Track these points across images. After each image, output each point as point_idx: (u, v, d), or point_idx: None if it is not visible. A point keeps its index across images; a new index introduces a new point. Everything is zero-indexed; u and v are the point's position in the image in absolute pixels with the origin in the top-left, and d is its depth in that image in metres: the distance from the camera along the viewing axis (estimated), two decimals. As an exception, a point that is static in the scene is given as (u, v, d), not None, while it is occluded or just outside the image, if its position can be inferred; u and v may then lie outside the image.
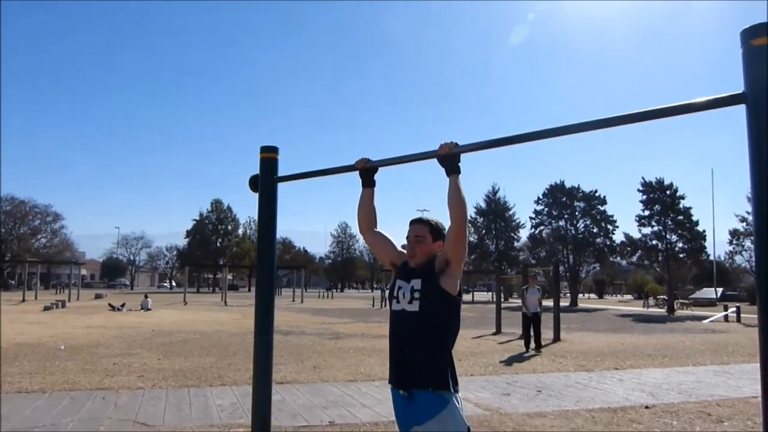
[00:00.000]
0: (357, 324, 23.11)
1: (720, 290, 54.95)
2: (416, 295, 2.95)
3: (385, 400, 8.09)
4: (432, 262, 3.01)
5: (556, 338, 17.75)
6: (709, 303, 49.55)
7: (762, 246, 1.92)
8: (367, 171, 3.33)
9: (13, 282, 77.17)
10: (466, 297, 63.68)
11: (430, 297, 2.93)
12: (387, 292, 3.32)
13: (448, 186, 2.91)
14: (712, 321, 29.88)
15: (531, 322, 15.32)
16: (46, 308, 29.85)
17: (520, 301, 16.87)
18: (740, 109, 2.07)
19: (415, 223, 3.14)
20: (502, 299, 26.54)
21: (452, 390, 2.88)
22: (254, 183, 3.61)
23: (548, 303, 17.48)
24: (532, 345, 15.16)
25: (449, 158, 2.91)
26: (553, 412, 7.63)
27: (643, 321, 29.51)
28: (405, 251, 3.16)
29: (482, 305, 45.70)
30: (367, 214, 3.36)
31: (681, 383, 10.10)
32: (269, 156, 3.53)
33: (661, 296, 53.12)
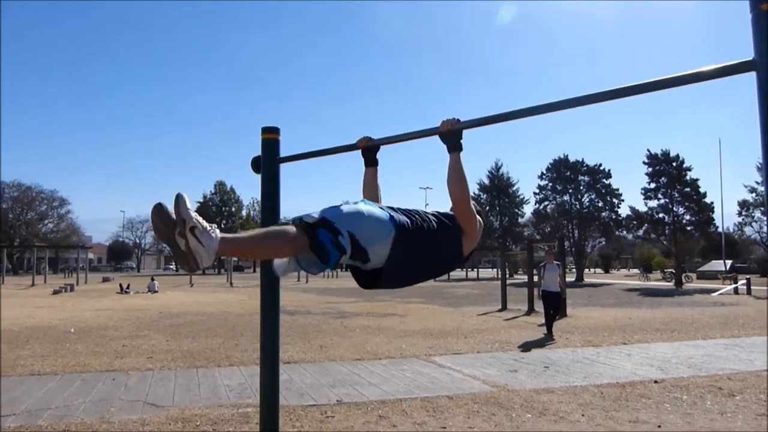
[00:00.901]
0: (362, 303, 23.17)
1: (729, 262, 54.77)
2: (436, 213, 2.85)
3: (392, 378, 8.12)
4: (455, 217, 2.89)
5: (563, 314, 17.75)
6: (717, 276, 49.43)
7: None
8: (369, 150, 3.29)
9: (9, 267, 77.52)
10: (471, 274, 63.83)
11: (447, 220, 2.81)
12: None
13: (448, 164, 2.86)
14: (721, 294, 29.80)
15: (549, 302, 13.66)
16: (55, 292, 30.06)
17: (537, 279, 15.21)
18: (748, 78, 2.02)
19: None
20: (507, 276, 26.56)
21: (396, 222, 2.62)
22: (256, 164, 3.59)
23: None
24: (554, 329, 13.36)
25: (451, 135, 2.85)
26: (561, 388, 7.63)
27: (651, 295, 29.51)
28: None
29: (487, 282, 45.79)
30: (372, 192, 3.32)
31: (690, 357, 10.07)
32: (271, 137, 3.50)
33: (669, 269, 53.06)
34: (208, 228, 2.14)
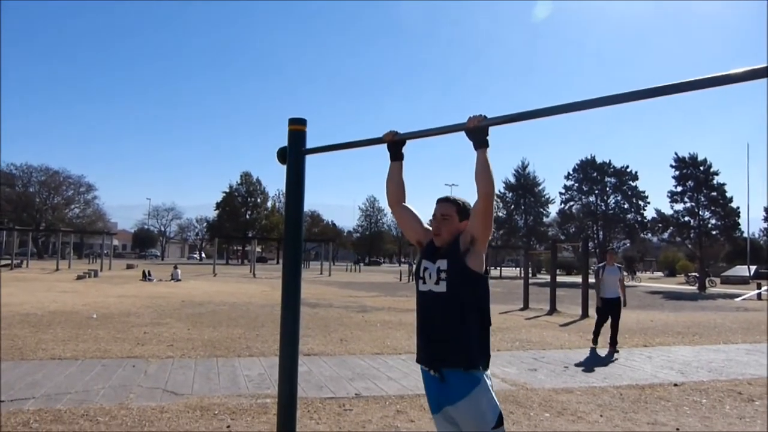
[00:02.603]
0: (384, 298, 23.20)
1: (753, 268, 53.99)
2: (443, 275, 2.92)
3: (411, 373, 8.12)
4: (457, 241, 2.98)
5: (584, 315, 17.63)
6: (742, 281, 48.76)
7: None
8: (395, 144, 3.29)
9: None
10: (493, 272, 63.57)
11: (457, 277, 2.90)
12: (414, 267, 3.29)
13: (476, 160, 2.86)
14: (744, 299, 29.43)
15: (608, 312, 11.42)
16: (79, 277, 30.49)
17: (594, 282, 12.33)
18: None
19: (442, 201, 3.11)
20: (530, 275, 26.41)
21: (481, 369, 2.86)
22: (282, 155, 3.59)
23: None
24: (603, 340, 11.41)
25: (478, 131, 2.85)
26: (580, 389, 7.58)
27: (674, 298, 29.20)
28: (431, 228, 3.14)
29: (510, 281, 45.58)
30: (396, 187, 3.32)
31: (711, 361, 9.97)
32: (297, 128, 3.50)
33: (692, 273, 52.47)
34: None
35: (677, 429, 5.87)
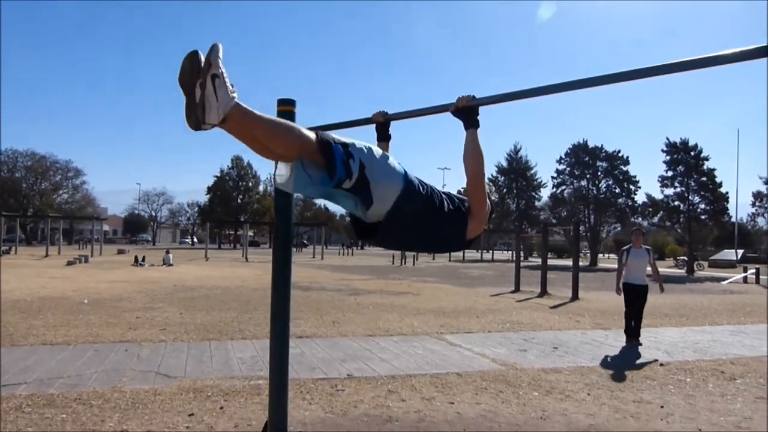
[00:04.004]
0: (376, 281, 23.28)
1: (740, 252, 54.50)
2: (445, 187, 2.91)
3: (402, 354, 8.20)
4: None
5: (575, 297, 17.77)
6: (729, 265, 49.21)
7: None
8: (383, 124, 3.31)
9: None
10: (486, 255, 63.82)
11: (455, 200, 2.88)
12: None
13: (465, 141, 2.85)
14: (731, 282, 29.72)
15: (632, 300, 10.19)
16: (69, 263, 30.36)
17: (617, 267, 11.13)
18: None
19: None
20: (522, 258, 26.56)
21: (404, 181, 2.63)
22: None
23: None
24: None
25: (467, 111, 2.83)
26: (569, 368, 7.70)
27: (663, 282, 29.40)
28: None
29: (502, 264, 45.78)
30: None
31: (697, 342, 10.13)
32: (286, 109, 3.51)
33: (681, 257, 52.85)
34: (230, 87, 2.17)
35: (662, 406, 6.00)
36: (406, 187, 2.58)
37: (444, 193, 2.90)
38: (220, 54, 2.15)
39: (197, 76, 2.11)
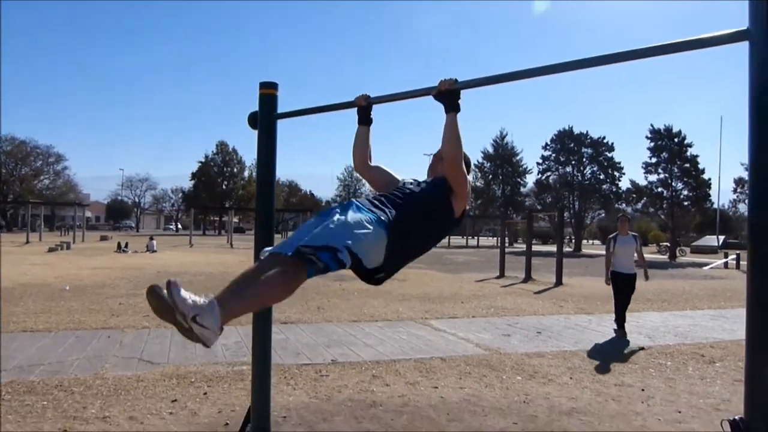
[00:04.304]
0: (361, 267, 23.26)
1: (722, 238, 55.09)
2: (423, 185, 2.95)
3: (387, 340, 8.22)
4: (446, 179, 2.92)
5: (558, 282, 17.89)
6: (711, 251, 49.73)
7: (756, 189, 1.90)
8: (365, 108, 3.28)
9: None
10: (471, 242, 64.03)
11: (435, 190, 2.89)
12: None
13: (444, 124, 2.84)
14: (712, 268, 30.04)
15: (620, 289, 9.82)
16: (51, 250, 30.08)
17: (604, 255, 10.43)
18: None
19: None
20: (507, 244, 26.67)
21: (387, 233, 2.62)
22: (253, 120, 3.58)
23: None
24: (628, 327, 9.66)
25: (448, 95, 2.83)
26: (552, 353, 7.75)
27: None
28: (405, 179, 3.15)
29: (487, 249, 45.95)
30: (362, 150, 3.30)
31: (678, 326, 10.24)
32: (268, 92, 3.48)
33: (664, 243, 53.32)
34: (205, 304, 2.18)
35: (642, 390, 6.06)
36: (390, 233, 2.61)
37: (420, 184, 2.95)
38: (181, 292, 2.16)
39: (173, 313, 2.13)
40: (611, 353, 7.89)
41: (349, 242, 2.46)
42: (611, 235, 10.27)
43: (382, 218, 2.63)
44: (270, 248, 2.77)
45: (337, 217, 2.58)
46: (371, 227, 2.55)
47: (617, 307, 9.69)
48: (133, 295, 12.56)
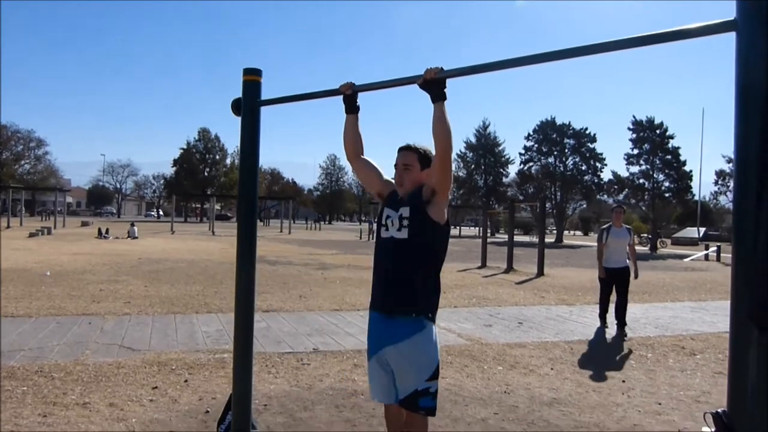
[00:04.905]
0: (344, 255, 23.28)
1: (703, 230, 55.69)
2: (405, 222, 2.97)
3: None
4: (420, 190, 3.02)
5: (540, 273, 17.99)
6: (692, 242, 50.26)
7: (740, 179, 1.91)
8: (351, 97, 3.26)
9: None
10: (453, 232, 64.06)
11: (419, 225, 2.96)
12: (375, 224, 3.31)
13: (433, 114, 2.86)
14: (692, 259, 30.36)
15: (614, 284, 9.17)
16: (32, 235, 29.76)
17: (596, 248, 9.70)
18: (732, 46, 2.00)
19: (403, 150, 3.13)
20: (489, 234, 26.75)
21: (430, 316, 2.96)
22: (237, 106, 3.55)
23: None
24: (611, 318, 9.15)
25: (434, 84, 2.82)
26: (533, 343, 7.79)
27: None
28: (393, 180, 3.19)
29: (469, 240, 46.07)
30: (354, 140, 3.32)
31: (658, 318, 10.33)
32: (252, 78, 3.45)
33: (645, 234, 53.78)
34: None
35: (623, 381, 6.11)
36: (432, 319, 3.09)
37: (406, 237, 2.99)
38: None
39: None
40: (592, 344, 7.96)
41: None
42: (604, 227, 9.71)
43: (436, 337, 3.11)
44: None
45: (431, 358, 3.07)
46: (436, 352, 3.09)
47: (602, 300, 9.28)
48: (114, 281, 12.47)
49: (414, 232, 2.95)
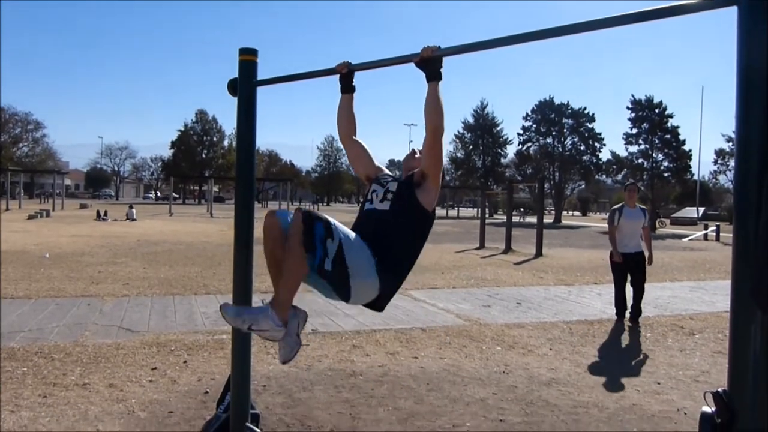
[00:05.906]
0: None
1: (702, 210, 55.72)
2: (389, 195, 2.91)
3: (367, 311, 8.17)
4: (412, 175, 3.00)
5: (539, 253, 18.01)
6: (691, 222, 50.31)
7: (741, 158, 1.89)
8: (347, 76, 3.23)
9: None
10: (451, 212, 64.19)
11: (403, 201, 2.89)
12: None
13: (426, 93, 2.83)
14: (691, 239, 30.37)
15: (628, 271, 8.13)
16: (31, 217, 29.73)
17: (607, 230, 8.81)
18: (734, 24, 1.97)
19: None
20: (488, 215, 26.76)
21: (379, 277, 2.76)
22: (233, 87, 3.51)
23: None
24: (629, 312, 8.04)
25: (431, 62, 2.78)
26: (532, 324, 7.81)
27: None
28: (381, 166, 3.23)
29: (467, 221, 46.11)
30: (347, 120, 3.30)
31: (657, 298, 10.33)
32: (248, 58, 3.41)
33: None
34: (259, 315, 2.62)
35: (621, 361, 6.14)
36: (381, 277, 2.76)
37: (388, 208, 2.91)
38: (232, 311, 2.69)
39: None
40: (590, 324, 7.97)
41: (346, 245, 2.63)
42: (616, 206, 8.63)
43: (376, 264, 2.77)
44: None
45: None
46: (368, 263, 2.74)
47: (617, 290, 8.18)
48: (112, 263, 12.48)
49: (395, 207, 2.87)
